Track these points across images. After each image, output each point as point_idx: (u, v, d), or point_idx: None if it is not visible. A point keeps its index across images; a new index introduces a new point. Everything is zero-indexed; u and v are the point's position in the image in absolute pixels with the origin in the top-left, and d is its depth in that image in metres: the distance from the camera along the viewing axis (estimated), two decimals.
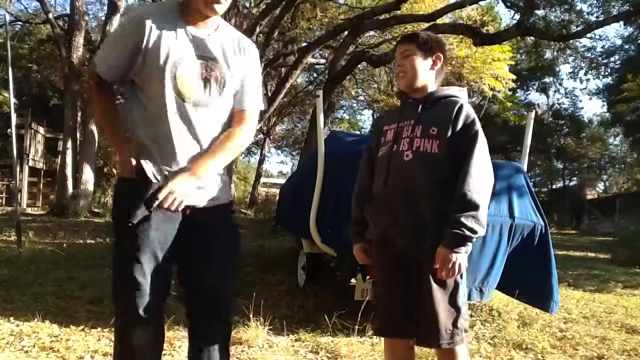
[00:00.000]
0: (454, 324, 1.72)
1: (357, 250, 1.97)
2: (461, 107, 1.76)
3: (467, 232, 1.64)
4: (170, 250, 1.64)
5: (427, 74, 1.85)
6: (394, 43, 12.41)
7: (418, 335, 1.78)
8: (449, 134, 1.74)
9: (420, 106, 1.82)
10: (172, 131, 1.58)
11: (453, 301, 1.73)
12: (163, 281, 1.66)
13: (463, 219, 1.63)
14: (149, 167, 1.58)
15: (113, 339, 1.76)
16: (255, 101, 1.75)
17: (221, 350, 1.73)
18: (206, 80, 1.61)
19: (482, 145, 1.72)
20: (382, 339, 1.98)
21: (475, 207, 1.65)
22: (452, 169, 1.71)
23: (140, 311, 1.60)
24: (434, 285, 1.71)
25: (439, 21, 9.65)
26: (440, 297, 1.71)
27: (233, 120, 1.71)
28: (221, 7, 1.59)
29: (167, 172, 1.59)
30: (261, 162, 23.00)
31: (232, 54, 1.67)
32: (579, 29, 13.39)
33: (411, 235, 1.75)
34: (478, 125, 1.75)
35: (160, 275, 1.63)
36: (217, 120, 1.66)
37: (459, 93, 1.88)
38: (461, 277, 1.76)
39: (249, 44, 1.74)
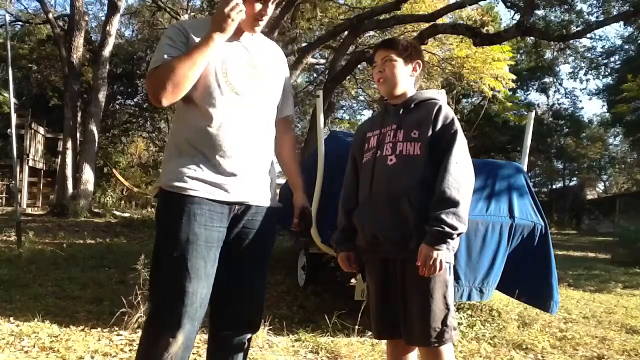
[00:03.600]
0: (444, 322, 1.74)
1: (341, 258, 1.99)
2: (440, 108, 1.80)
3: (448, 229, 1.65)
4: (217, 249, 1.64)
5: (407, 80, 1.89)
6: None
7: (407, 334, 1.79)
8: (429, 134, 1.77)
9: (401, 111, 1.86)
10: (223, 121, 1.60)
11: (443, 299, 1.75)
12: (208, 286, 1.63)
13: (443, 216, 1.65)
14: (192, 182, 1.60)
15: (139, 341, 1.68)
16: (292, 105, 1.93)
17: (244, 357, 1.75)
18: (253, 78, 1.68)
19: (460, 144, 1.75)
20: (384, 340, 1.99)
21: (454, 203, 1.66)
22: (433, 170, 1.74)
23: (184, 319, 1.56)
24: (423, 285, 1.72)
25: (439, 21, 9.64)
26: (429, 295, 1.73)
27: (283, 129, 1.85)
28: (260, 28, 1.72)
29: (200, 172, 1.60)
30: None
31: (274, 59, 1.79)
32: (579, 29, 13.39)
33: (397, 236, 1.77)
34: (457, 125, 1.78)
35: (207, 280, 1.62)
36: (264, 115, 1.73)
37: (438, 95, 1.91)
38: (449, 275, 1.78)
39: (281, 51, 1.87)
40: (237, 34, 1.67)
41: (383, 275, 1.84)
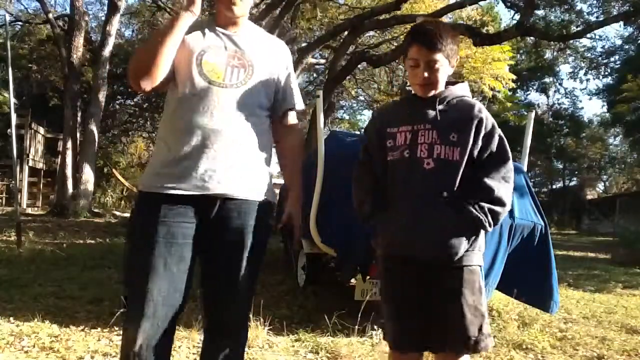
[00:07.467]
0: (480, 330, 1.65)
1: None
2: (480, 110, 1.72)
3: (491, 220, 1.65)
4: (184, 246, 1.58)
5: (445, 80, 1.77)
6: (394, 43, 12.41)
7: (440, 343, 1.69)
8: (471, 140, 1.68)
9: (435, 109, 1.71)
10: (196, 110, 1.59)
11: (479, 306, 1.67)
12: (177, 285, 1.58)
13: (495, 208, 1.65)
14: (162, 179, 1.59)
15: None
16: (298, 98, 1.84)
17: None
18: (234, 67, 1.66)
19: (507, 148, 1.73)
20: (384, 341, 1.87)
21: (504, 206, 1.68)
22: (472, 173, 1.67)
23: (142, 318, 1.54)
24: (460, 292, 1.65)
25: None
26: (466, 303, 1.65)
27: (281, 126, 1.82)
28: (238, 9, 1.66)
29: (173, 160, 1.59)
30: None
31: (261, 48, 1.74)
32: (579, 29, 13.40)
33: (434, 243, 1.67)
34: (498, 128, 1.73)
35: (169, 277, 1.56)
36: (244, 104, 1.65)
37: (468, 92, 1.83)
38: (483, 280, 1.73)
39: (281, 45, 1.83)
40: (225, 24, 1.69)
41: (412, 284, 1.71)
